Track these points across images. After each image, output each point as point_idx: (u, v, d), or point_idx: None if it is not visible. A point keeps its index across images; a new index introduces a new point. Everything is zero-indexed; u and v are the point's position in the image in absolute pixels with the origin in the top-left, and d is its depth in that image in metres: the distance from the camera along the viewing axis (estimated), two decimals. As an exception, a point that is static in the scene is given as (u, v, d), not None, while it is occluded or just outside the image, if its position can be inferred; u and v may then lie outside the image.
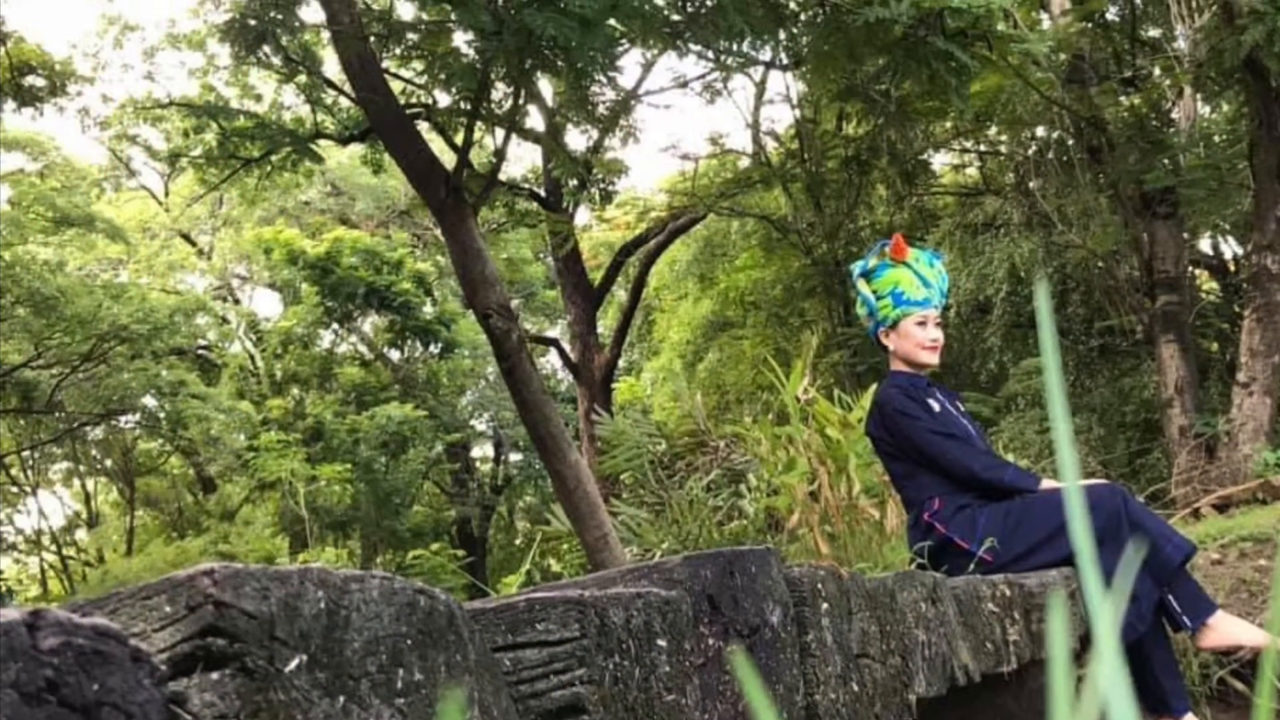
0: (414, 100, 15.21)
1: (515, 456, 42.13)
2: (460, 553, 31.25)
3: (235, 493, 36.18)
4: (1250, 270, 15.63)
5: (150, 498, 40.98)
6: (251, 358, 37.31)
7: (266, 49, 13.58)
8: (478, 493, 40.56)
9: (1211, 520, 10.98)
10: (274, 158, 15.15)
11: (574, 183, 21.39)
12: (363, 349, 39.64)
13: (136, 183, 41.02)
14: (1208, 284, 24.49)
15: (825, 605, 2.98)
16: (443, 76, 13.54)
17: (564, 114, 17.99)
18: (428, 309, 37.17)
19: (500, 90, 13.80)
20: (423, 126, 14.64)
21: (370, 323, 38.80)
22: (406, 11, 14.04)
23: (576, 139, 22.59)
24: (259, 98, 22.42)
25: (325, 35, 14.64)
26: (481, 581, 27.57)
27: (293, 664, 1.36)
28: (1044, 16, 18.11)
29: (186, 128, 17.45)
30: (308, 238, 36.47)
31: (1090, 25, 17.96)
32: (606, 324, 31.94)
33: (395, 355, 39.09)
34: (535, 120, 20.40)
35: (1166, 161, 16.71)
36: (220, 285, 40.80)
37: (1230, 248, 23.88)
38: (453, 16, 12.11)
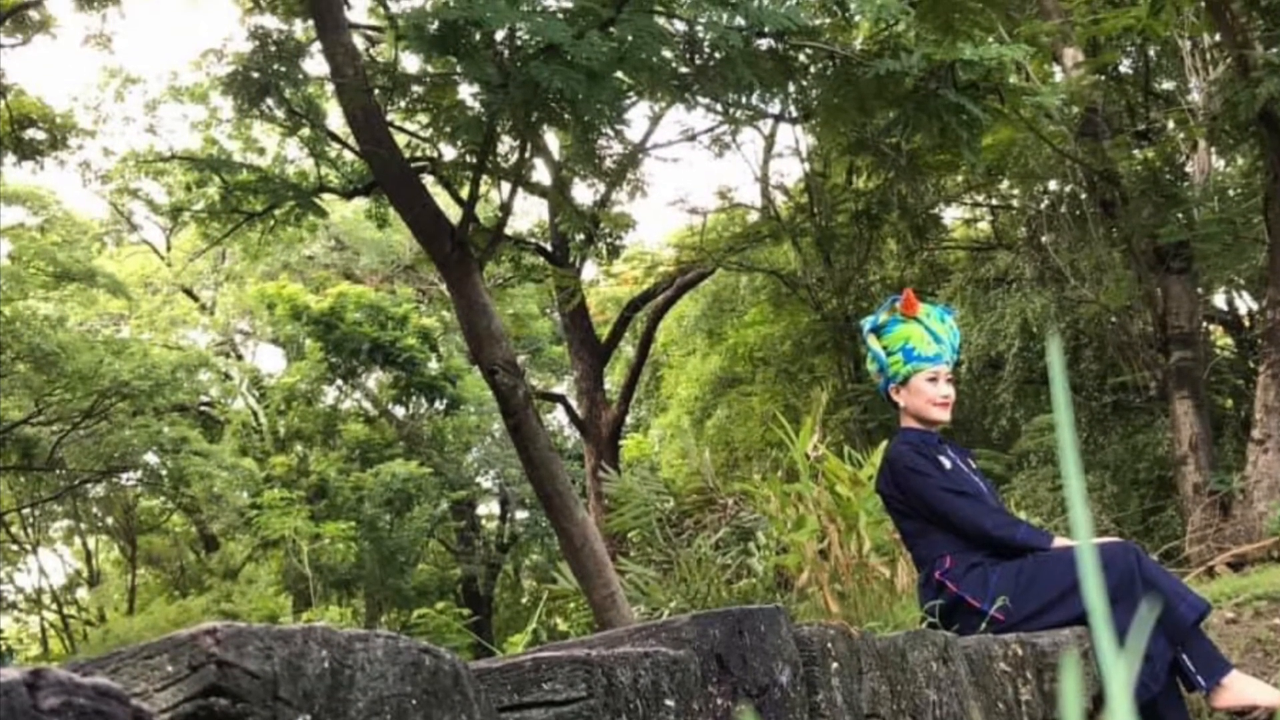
0: (419, 154, 15.22)
1: (521, 514, 42.06)
2: (466, 611, 31.18)
3: (238, 551, 36.20)
4: (1265, 325, 15.62)
5: (152, 556, 40.97)
6: (255, 414, 37.39)
7: (270, 102, 13.62)
8: (483, 551, 40.54)
9: (1226, 579, 10.96)
10: (277, 212, 15.15)
11: (581, 237, 21.41)
12: (367, 405, 39.70)
13: (138, 237, 41.14)
14: (1222, 340, 24.54)
15: (835, 665, 2.97)
16: (448, 130, 13.56)
17: (571, 167, 18.02)
18: (433, 365, 37.26)
19: (506, 143, 13.79)
20: (428, 180, 14.67)
21: (375, 378, 38.87)
22: (411, 64, 14.02)
23: (583, 193, 22.71)
24: (262, 151, 22.50)
25: (329, 88, 14.65)
26: (487, 640, 27.50)
27: (297, 724, 1.34)
28: (1056, 69, 18.13)
29: (189, 181, 17.46)
30: (311, 293, 36.58)
31: (1103, 78, 18.02)
32: (614, 380, 32.00)
33: (400, 412, 39.13)
34: (542, 174, 20.49)
35: (1180, 215, 16.74)
36: (223, 341, 40.89)
37: (1245, 303, 23.96)
38: (458, 69, 12.12)
